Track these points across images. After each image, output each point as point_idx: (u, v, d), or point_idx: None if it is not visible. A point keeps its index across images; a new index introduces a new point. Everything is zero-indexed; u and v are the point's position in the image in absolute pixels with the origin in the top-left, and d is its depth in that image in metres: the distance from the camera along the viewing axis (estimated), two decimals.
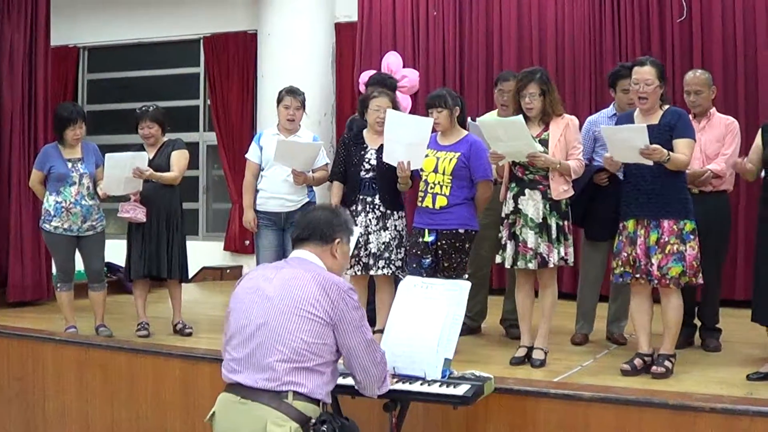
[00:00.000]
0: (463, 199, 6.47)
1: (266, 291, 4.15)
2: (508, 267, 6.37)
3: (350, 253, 4.79)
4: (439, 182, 6.46)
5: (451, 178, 6.44)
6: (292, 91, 7.54)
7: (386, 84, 7.74)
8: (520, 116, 6.15)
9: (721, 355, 6.70)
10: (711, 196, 6.62)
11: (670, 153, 5.79)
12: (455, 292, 4.88)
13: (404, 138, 6.44)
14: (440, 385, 4.58)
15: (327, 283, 4.11)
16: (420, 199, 6.57)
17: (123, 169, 7.25)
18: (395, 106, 6.99)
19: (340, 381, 4.40)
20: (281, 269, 4.28)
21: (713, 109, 6.87)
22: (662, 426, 4.94)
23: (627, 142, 5.85)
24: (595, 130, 7.06)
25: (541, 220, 6.19)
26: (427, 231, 6.45)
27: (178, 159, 7.64)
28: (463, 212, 6.46)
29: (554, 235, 6.20)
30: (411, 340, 4.74)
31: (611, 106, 7.24)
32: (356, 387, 4.38)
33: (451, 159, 6.46)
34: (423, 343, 4.72)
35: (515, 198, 6.29)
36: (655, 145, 5.72)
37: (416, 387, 4.56)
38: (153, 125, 7.63)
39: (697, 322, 6.99)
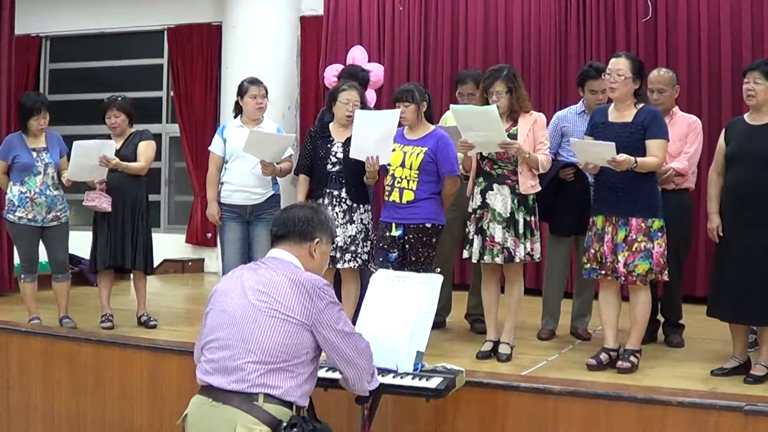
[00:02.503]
0: (430, 194, 6.49)
1: (242, 293, 4.10)
2: (475, 261, 6.41)
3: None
4: (406, 177, 6.48)
5: (418, 172, 6.46)
6: (256, 81, 7.48)
7: (358, 77, 7.75)
8: (494, 106, 6.15)
9: (685, 350, 6.78)
10: (673, 193, 6.68)
11: (638, 159, 5.85)
12: (428, 286, 4.91)
13: (373, 134, 6.45)
14: (413, 378, 4.59)
15: (301, 283, 4.07)
16: (387, 193, 6.59)
17: (90, 157, 7.19)
18: (363, 100, 7.01)
19: (320, 374, 4.39)
20: (258, 270, 4.21)
21: (676, 108, 6.95)
22: (631, 420, 5.00)
23: (596, 154, 5.95)
24: (563, 125, 7.12)
25: (508, 215, 6.23)
26: (394, 225, 6.46)
27: (145, 149, 7.59)
28: (430, 207, 6.49)
29: (521, 231, 6.24)
30: (383, 332, 4.74)
31: (580, 102, 7.28)
32: (345, 386, 4.35)
33: (418, 154, 6.48)
34: (395, 335, 4.74)
35: (483, 193, 6.32)
36: (621, 157, 5.79)
37: (389, 380, 4.57)
38: (120, 115, 7.56)
39: (661, 318, 7.07)
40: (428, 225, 6.46)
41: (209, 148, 7.62)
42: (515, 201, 6.25)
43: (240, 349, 3.97)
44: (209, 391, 4.02)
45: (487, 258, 6.28)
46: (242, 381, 3.93)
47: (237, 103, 7.52)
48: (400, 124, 6.55)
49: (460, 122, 6.28)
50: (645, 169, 5.91)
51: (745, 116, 6.03)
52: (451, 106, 6.58)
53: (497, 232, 6.22)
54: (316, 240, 4.32)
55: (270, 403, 3.93)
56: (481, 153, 6.35)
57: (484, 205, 6.30)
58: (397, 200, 6.48)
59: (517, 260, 6.27)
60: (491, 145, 6.19)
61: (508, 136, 6.20)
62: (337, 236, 6.58)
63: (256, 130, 7.20)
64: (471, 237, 6.38)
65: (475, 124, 6.13)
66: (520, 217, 6.25)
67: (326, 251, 4.43)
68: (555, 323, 7.28)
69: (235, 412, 3.89)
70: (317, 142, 6.95)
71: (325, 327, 4.06)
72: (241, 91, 7.48)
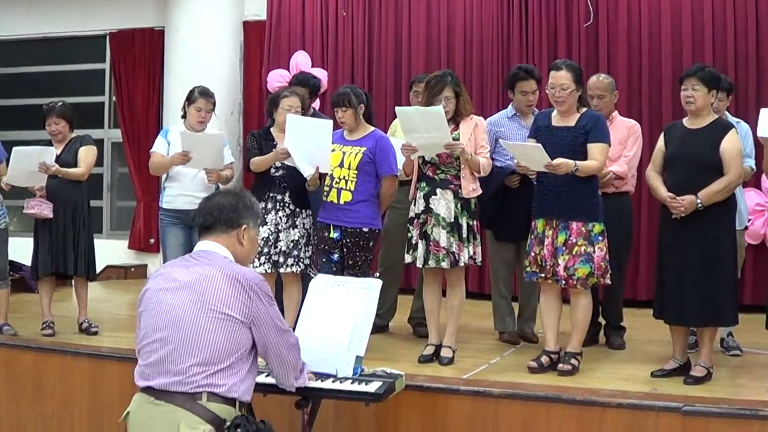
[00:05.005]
0: (368, 195, 6.52)
1: (176, 292, 4.02)
2: (420, 266, 6.42)
3: (259, 242, 4.66)
4: (344, 177, 6.50)
5: (356, 172, 6.48)
6: (205, 93, 7.39)
7: (309, 84, 7.72)
8: (440, 106, 6.18)
9: (626, 352, 6.85)
10: (613, 197, 6.75)
11: (578, 163, 5.91)
12: (367, 290, 4.90)
13: (307, 143, 6.45)
14: (352, 382, 4.59)
15: (237, 278, 4.00)
16: (325, 193, 6.60)
17: (29, 163, 7.12)
18: (305, 106, 7.00)
19: (260, 379, 4.38)
20: (189, 267, 4.10)
21: (615, 113, 7.05)
22: (570, 421, 5.06)
23: (530, 156, 6.01)
24: (497, 130, 7.10)
25: (453, 220, 6.25)
26: (332, 227, 6.49)
27: (86, 155, 7.51)
28: (367, 211, 6.51)
29: (465, 235, 6.27)
30: (323, 337, 4.74)
31: (510, 106, 7.33)
32: (275, 380, 4.35)
33: (356, 154, 6.51)
34: (334, 340, 4.73)
35: (426, 198, 6.34)
36: (558, 161, 5.86)
37: (328, 384, 4.57)
38: (60, 121, 7.48)
39: (602, 321, 7.13)
40: (365, 229, 6.48)
41: (152, 150, 7.45)
42: (458, 205, 6.28)
43: (182, 351, 3.90)
44: (151, 390, 3.95)
45: (432, 263, 6.29)
46: (185, 383, 3.87)
47: (185, 107, 7.46)
48: (338, 127, 6.58)
49: (404, 124, 6.30)
50: (586, 173, 5.96)
51: (684, 120, 6.09)
52: (396, 108, 6.57)
53: (442, 236, 6.25)
54: (243, 226, 4.20)
55: (213, 402, 3.88)
56: (423, 157, 6.37)
57: (428, 209, 6.32)
58: (335, 201, 6.50)
59: (461, 264, 6.31)
60: (435, 147, 6.21)
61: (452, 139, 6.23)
62: (266, 224, 6.61)
63: (186, 132, 7.12)
64: (414, 242, 6.38)
65: (421, 125, 6.15)
66: (463, 222, 6.28)
67: (254, 237, 4.31)
68: (513, 323, 7.29)
69: (178, 411, 3.85)
70: (262, 143, 6.92)
71: (265, 325, 4.05)
72: (189, 99, 7.39)
